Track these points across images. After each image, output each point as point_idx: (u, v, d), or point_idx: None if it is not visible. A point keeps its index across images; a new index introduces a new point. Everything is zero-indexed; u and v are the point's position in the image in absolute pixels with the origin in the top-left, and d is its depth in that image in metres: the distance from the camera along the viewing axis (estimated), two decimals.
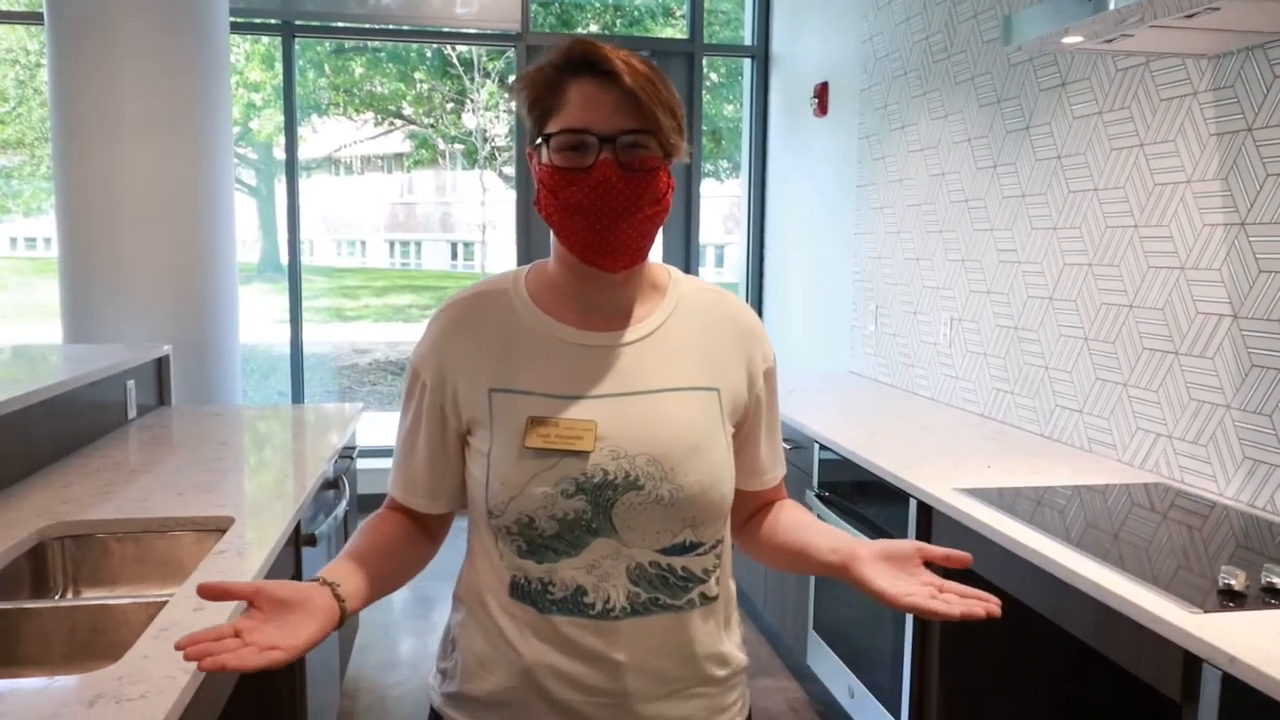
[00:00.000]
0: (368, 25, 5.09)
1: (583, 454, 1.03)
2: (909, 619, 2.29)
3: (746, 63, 5.39)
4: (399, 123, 14.57)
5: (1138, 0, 1.71)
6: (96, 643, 1.55)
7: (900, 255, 3.69)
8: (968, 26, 3.18)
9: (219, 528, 1.90)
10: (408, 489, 1.14)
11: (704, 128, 5.67)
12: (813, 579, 2.90)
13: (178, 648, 0.86)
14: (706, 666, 1.10)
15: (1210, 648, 1.36)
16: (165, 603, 1.47)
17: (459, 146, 14.95)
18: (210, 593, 0.92)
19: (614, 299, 1.10)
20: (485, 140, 13.17)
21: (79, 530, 1.87)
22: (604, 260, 1.05)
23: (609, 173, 1.00)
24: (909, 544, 1.04)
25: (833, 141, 4.37)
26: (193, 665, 1.23)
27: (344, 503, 2.54)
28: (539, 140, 1.05)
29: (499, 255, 14.49)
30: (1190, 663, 1.41)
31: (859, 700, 2.58)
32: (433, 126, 14.27)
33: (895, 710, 2.37)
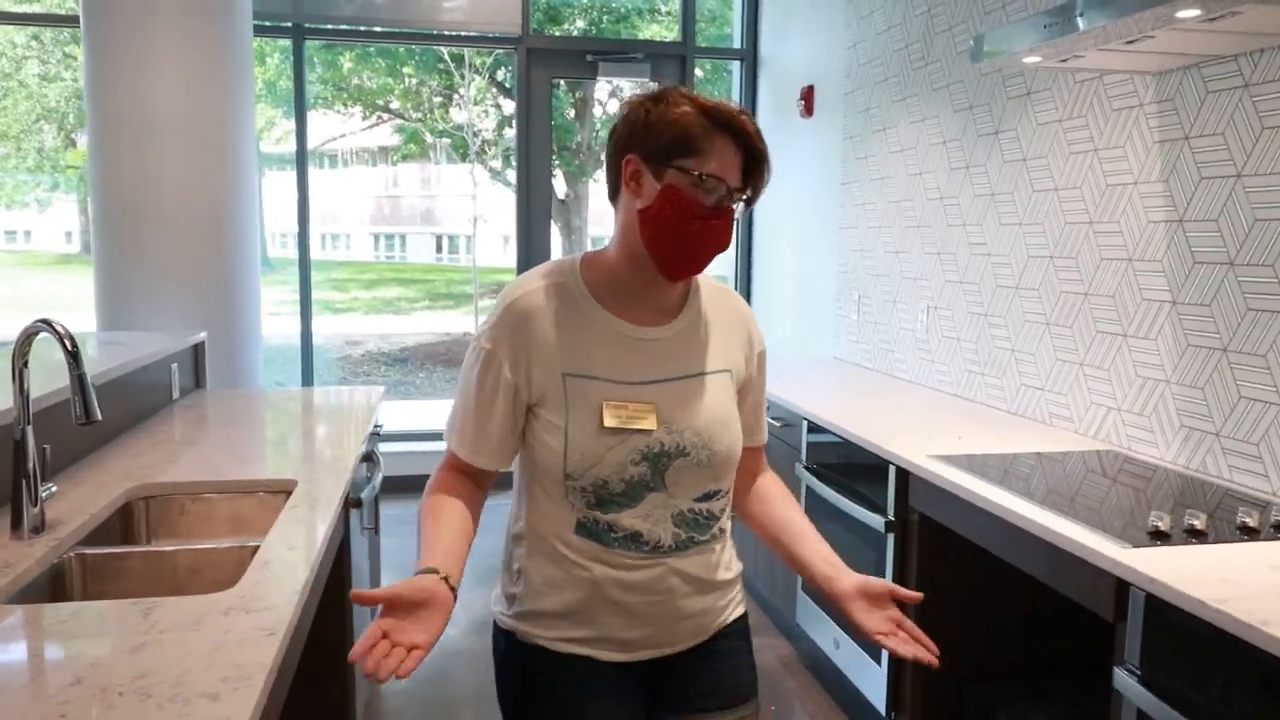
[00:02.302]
0: (374, 28, 5.31)
1: (647, 431, 1.29)
2: (889, 572, 2.57)
3: (735, 64, 5.65)
4: (387, 116, 14.75)
5: (1088, 30, 1.99)
6: (193, 581, 1.81)
7: (881, 248, 3.97)
8: (943, 38, 3.46)
9: (284, 489, 2.15)
10: (477, 452, 1.34)
11: None
12: None
13: (352, 660, 1.07)
14: (720, 573, 1.42)
15: (1136, 574, 1.64)
16: (256, 547, 1.73)
17: (447, 140, 15.14)
18: (360, 599, 1.13)
19: (664, 298, 1.36)
20: (475, 135, 13.37)
21: (163, 491, 2.12)
22: (675, 276, 1.32)
23: (726, 221, 1.28)
24: (882, 584, 1.36)
25: (818, 141, 4.64)
26: (299, 585, 1.51)
27: (380, 474, 2.79)
28: (667, 164, 1.25)
29: (489, 249, 14.68)
30: (1121, 588, 1.70)
31: (843, 649, 2.87)
32: (421, 121, 14.46)
33: (876, 655, 2.65)
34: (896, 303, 3.85)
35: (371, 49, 11.93)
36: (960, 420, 2.98)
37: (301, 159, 5.23)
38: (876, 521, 2.60)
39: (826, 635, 3.00)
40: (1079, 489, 2.20)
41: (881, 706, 2.63)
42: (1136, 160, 2.51)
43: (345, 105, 13.87)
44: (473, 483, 1.38)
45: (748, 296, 5.65)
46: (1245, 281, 2.17)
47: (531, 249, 5.50)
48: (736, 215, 1.29)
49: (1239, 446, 2.20)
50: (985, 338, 3.23)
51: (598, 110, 12.66)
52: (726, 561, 1.43)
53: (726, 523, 1.42)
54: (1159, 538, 1.80)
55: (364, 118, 14.64)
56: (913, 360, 3.72)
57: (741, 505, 1.54)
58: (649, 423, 1.28)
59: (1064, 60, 2.30)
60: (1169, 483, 2.25)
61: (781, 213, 5.19)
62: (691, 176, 1.25)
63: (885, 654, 2.60)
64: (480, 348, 1.32)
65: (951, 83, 3.41)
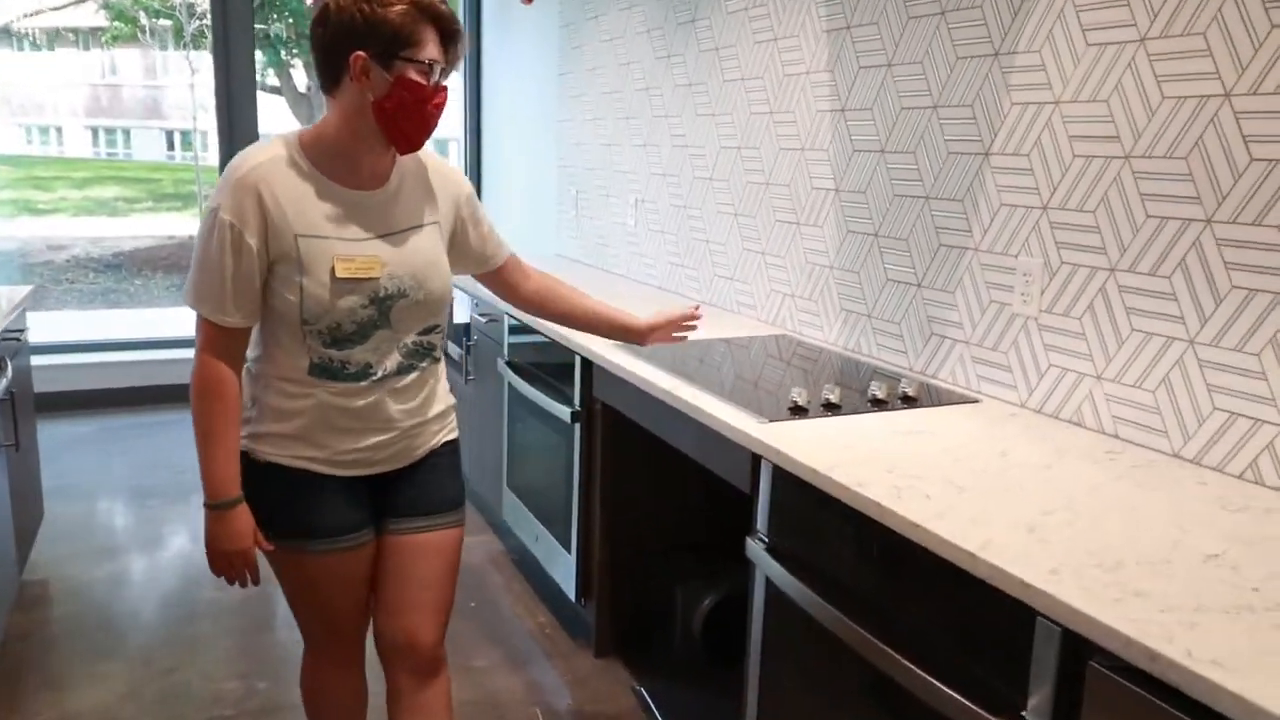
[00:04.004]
0: None
1: (374, 279, 1.52)
2: (576, 459, 2.58)
3: None
4: None
5: None
6: None
7: (595, 142, 3.91)
8: None
9: None
10: (240, 314, 1.49)
11: None
12: (506, 440, 3.14)
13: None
14: (434, 407, 1.69)
15: (764, 446, 1.69)
16: None
17: (166, 22, 13.53)
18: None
19: (377, 166, 1.55)
20: (192, 15, 12.05)
21: None
22: (413, 148, 1.54)
23: (445, 95, 1.52)
24: (665, 318, 2.00)
25: (537, 31, 4.47)
26: None
27: (5, 382, 2.45)
28: (394, 58, 1.44)
29: (214, 142, 13.42)
30: (755, 461, 1.75)
31: (541, 542, 2.88)
32: None
33: (566, 544, 2.67)
34: (609, 197, 3.81)
35: None
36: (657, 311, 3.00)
37: None
38: (564, 413, 2.58)
39: (529, 530, 3.00)
40: (750, 373, 2.26)
41: (572, 594, 2.66)
42: (809, 50, 2.55)
43: None
44: (236, 358, 1.53)
45: (479, 195, 5.47)
46: (893, 169, 2.27)
47: (235, 142, 5.01)
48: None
49: (885, 326, 2.34)
50: (684, 229, 3.26)
51: None
52: (441, 394, 1.72)
53: (441, 353, 1.70)
54: (797, 412, 1.87)
55: None
56: (624, 255, 3.72)
57: (531, 302, 1.92)
58: (375, 272, 1.51)
59: None
60: (830, 363, 2.36)
61: (507, 107, 5.01)
62: (419, 64, 1.46)
63: (574, 543, 2.62)
64: (219, 219, 1.45)
65: None
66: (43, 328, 7.25)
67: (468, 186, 1.73)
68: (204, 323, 1.49)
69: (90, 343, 5.06)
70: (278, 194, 1.46)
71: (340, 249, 1.49)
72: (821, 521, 1.58)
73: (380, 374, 1.57)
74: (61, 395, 4.79)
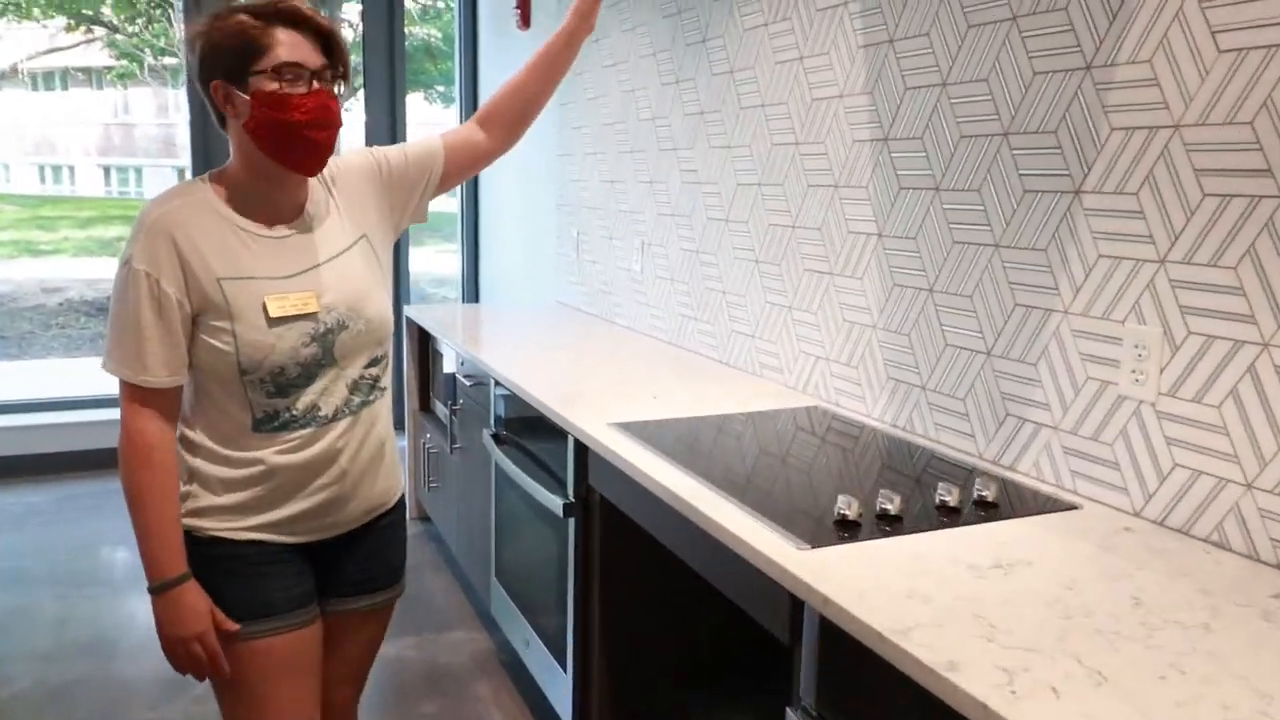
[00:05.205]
0: None
1: (311, 315, 1.40)
2: (570, 564, 2.15)
3: None
4: (99, 30, 12.82)
5: None
6: None
7: (597, 178, 3.52)
8: None
9: None
10: (174, 370, 1.37)
11: (410, 44, 5.23)
12: (493, 524, 2.72)
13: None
14: (386, 447, 1.57)
15: (808, 588, 1.26)
16: None
17: (171, 60, 13.36)
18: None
19: (291, 197, 1.44)
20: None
21: None
22: (310, 168, 1.40)
23: (324, 98, 1.36)
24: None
25: None
26: None
27: None
28: (246, 75, 1.32)
29: None
30: (796, 605, 1.33)
31: (533, 649, 2.44)
32: (137, 36, 12.66)
33: (562, 660, 2.24)
34: (613, 239, 3.41)
35: None
36: (665, 373, 2.59)
37: None
38: (556, 504, 2.15)
39: (520, 633, 2.56)
40: (777, 453, 1.84)
41: (568, 718, 2.22)
42: (841, 69, 2.15)
43: (44, 14, 11.89)
44: (166, 420, 1.39)
45: (474, 236, 5.09)
46: (950, 209, 1.85)
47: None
48: (339, 94, 1.41)
49: (945, 401, 1.91)
50: (697, 278, 2.85)
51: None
52: (391, 434, 1.59)
53: (386, 382, 1.57)
54: (846, 529, 1.44)
55: (69, 29, 12.64)
56: (629, 304, 3.31)
57: (508, 138, 1.80)
58: (312, 306, 1.40)
59: None
60: (876, 445, 1.93)
61: None
62: (268, 74, 1.32)
63: (570, 661, 2.19)
64: (134, 270, 1.33)
65: None
66: (16, 379, 6.86)
67: (369, 155, 1.59)
68: (126, 386, 1.37)
69: (53, 400, 4.69)
70: (194, 238, 1.35)
71: (271, 288, 1.39)
72: (890, 700, 1.15)
73: (329, 414, 1.46)
74: (20, 460, 4.41)
